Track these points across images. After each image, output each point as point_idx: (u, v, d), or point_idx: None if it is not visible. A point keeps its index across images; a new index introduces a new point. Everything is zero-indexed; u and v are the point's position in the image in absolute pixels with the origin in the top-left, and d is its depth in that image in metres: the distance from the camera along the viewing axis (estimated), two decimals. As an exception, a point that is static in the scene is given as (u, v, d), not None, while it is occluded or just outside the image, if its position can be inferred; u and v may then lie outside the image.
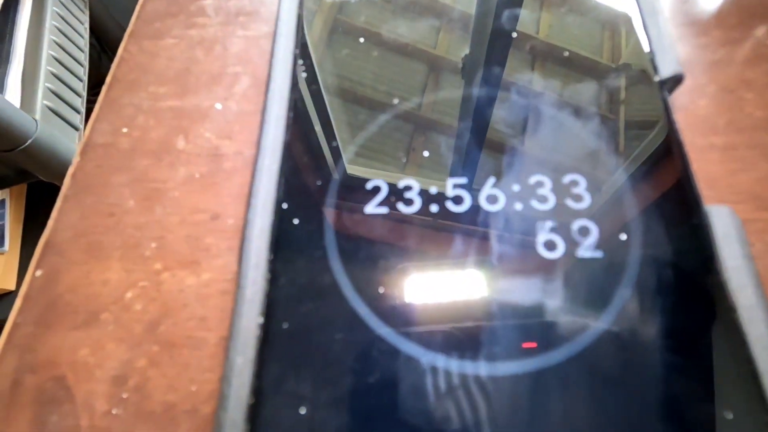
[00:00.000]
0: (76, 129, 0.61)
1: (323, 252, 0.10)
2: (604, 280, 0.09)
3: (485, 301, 0.09)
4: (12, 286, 0.94)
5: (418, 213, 0.10)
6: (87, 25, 0.70)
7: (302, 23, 0.13)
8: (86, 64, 0.66)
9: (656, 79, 0.11)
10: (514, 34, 0.13)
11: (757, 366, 0.07)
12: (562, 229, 0.09)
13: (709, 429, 0.07)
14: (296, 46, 0.12)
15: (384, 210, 0.10)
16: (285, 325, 0.09)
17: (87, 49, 0.68)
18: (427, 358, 0.08)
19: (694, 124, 0.13)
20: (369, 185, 0.10)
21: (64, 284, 0.12)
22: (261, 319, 0.09)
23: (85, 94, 0.64)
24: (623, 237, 0.09)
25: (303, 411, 0.08)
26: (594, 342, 0.08)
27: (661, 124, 0.10)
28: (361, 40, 0.13)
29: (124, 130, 0.14)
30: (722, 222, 0.09)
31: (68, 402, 0.10)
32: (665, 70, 0.11)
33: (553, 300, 0.09)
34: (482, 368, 0.08)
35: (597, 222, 0.09)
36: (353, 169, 0.11)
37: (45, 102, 0.57)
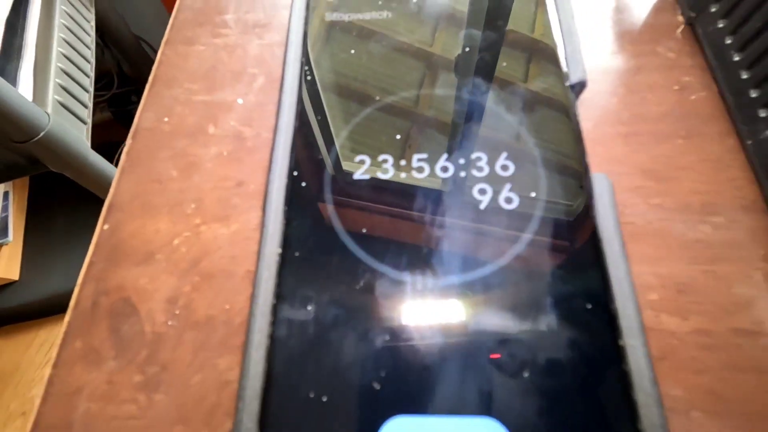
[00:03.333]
0: (84, 123, 0.64)
1: (323, 204, 0.13)
2: (515, 225, 0.13)
3: (437, 230, 0.13)
4: (15, 276, 0.97)
5: (392, 178, 0.14)
6: (93, 23, 0.73)
7: (307, 35, 0.17)
8: (93, 60, 0.69)
9: (567, 83, 0.15)
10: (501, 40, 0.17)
11: (615, 301, 0.11)
12: (493, 189, 0.13)
13: (559, 327, 0.11)
14: (303, 54, 0.16)
15: (366, 176, 0.14)
16: (296, 254, 0.13)
17: (93, 46, 0.71)
18: (397, 275, 0.12)
19: (606, 117, 0.17)
20: (356, 158, 0.14)
21: (125, 232, 0.16)
22: (279, 250, 0.13)
23: (92, 89, 0.67)
24: (533, 194, 0.13)
25: (310, 308, 0.12)
26: (498, 270, 0.12)
27: (569, 117, 0.14)
28: (357, 37, 0.17)
29: (166, 118, 0.18)
30: (599, 184, 0.13)
31: (134, 315, 0.14)
32: (574, 78, 0.15)
33: (475, 236, 0.13)
34: (433, 280, 0.12)
35: (515, 184, 0.13)
36: (345, 148, 0.15)
37: (56, 96, 0.60)
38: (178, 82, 0.19)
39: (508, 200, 0.13)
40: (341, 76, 0.16)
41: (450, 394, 0.11)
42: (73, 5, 0.69)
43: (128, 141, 0.17)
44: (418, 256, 0.13)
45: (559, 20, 0.16)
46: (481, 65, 0.16)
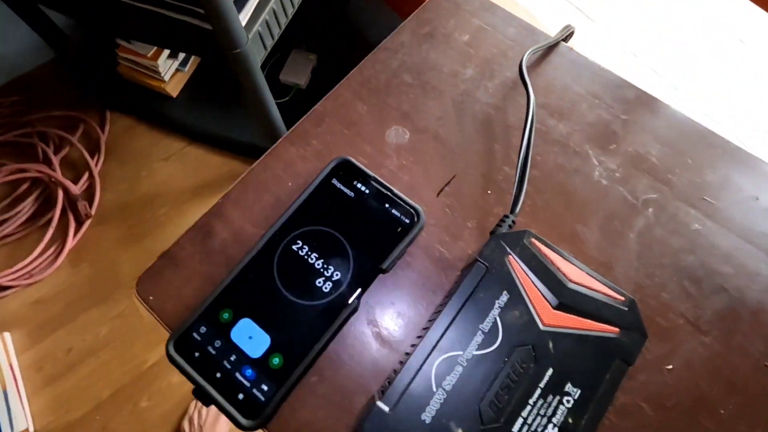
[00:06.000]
0: (265, 50, 0.77)
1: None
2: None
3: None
4: (174, 94, 1.24)
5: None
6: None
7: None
8: (296, 7, 0.81)
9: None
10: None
11: None
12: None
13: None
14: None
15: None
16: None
17: (300, -5, 0.82)
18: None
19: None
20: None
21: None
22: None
23: (283, 29, 0.79)
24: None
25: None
26: None
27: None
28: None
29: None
30: None
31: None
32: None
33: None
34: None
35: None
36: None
37: (258, 28, 0.73)
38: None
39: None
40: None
41: None
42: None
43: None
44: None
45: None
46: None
